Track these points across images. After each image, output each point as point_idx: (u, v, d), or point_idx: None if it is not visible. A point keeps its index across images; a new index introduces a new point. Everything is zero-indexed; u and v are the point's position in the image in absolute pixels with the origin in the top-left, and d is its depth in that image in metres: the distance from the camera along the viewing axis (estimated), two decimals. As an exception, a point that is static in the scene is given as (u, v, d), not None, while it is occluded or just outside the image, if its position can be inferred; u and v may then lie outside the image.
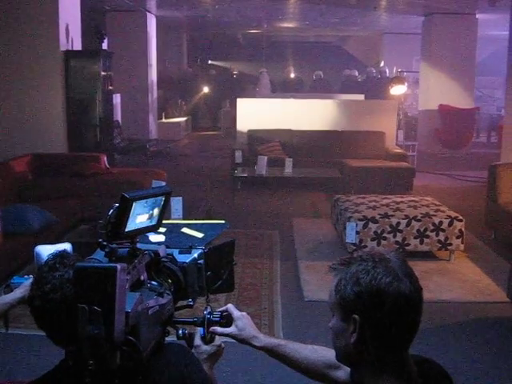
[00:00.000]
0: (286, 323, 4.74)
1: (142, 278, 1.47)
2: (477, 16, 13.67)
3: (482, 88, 17.82)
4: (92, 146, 8.84)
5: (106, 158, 8.24)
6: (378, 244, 6.09)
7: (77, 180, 7.53)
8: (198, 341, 1.74)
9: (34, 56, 8.53)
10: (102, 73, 9.07)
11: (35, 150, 8.09)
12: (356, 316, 1.42)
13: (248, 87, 18.74)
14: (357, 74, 16.74)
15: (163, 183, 5.65)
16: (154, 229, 1.53)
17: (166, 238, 1.65)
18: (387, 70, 15.96)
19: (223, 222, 1.94)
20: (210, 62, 22.47)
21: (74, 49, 9.06)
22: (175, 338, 1.65)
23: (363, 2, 13.00)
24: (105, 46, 9.94)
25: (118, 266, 1.28)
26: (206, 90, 18.54)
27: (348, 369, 1.64)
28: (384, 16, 15.33)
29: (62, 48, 8.67)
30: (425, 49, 14.32)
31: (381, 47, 19.42)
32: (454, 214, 6.26)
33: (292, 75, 18.54)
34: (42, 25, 8.48)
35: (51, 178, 7.54)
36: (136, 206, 1.41)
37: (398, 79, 12.16)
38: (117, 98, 12.14)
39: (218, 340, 1.77)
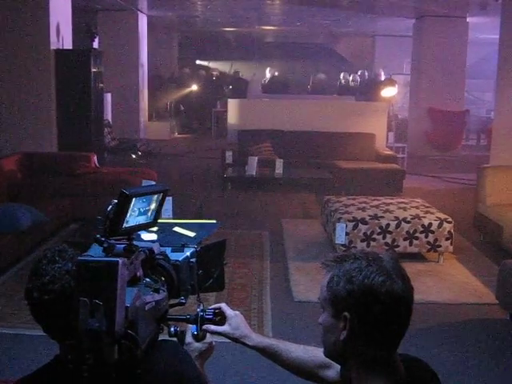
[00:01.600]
0: (276, 323, 4.74)
1: (138, 274, 1.49)
2: (467, 19, 13.73)
3: (472, 91, 17.90)
4: (82, 145, 8.81)
5: (96, 158, 8.22)
6: (368, 245, 6.10)
7: (67, 179, 7.50)
8: (189, 338, 1.75)
9: (24, 54, 8.50)
10: (93, 72, 9.04)
11: (25, 149, 8.06)
12: (346, 313, 1.44)
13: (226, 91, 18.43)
14: (358, 78, 16.27)
15: (153, 183, 5.65)
16: (150, 226, 1.54)
17: (158, 237, 1.66)
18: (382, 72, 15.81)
19: (215, 221, 1.95)
20: (198, 62, 22.30)
21: (65, 48, 9.04)
22: (167, 336, 1.66)
23: (355, 4, 13.03)
24: (96, 45, 9.92)
25: (120, 260, 1.30)
26: (195, 90, 18.44)
27: (338, 368, 1.65)
28: (375, 18, 15.38)
29: (53, 47, 8.65)
30: (415, 51, 14.37)
31: (372, 49, 19.49)
32: (443, 216, 6.29)
33: (276, 74, 18.46)
34: (33, 23, 8.46)
35: (41, 177, 7.51)
36: (135, 203, 1.42)
37: (389, 81, 12.20)
38: (107, 98, 12.11)
39: (208, 338, 1.78)
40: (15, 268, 5.78)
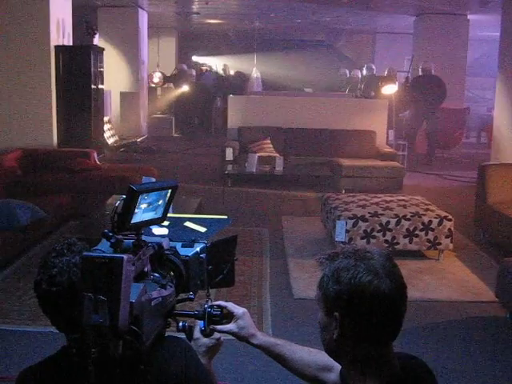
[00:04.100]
0: (275, 321, 4.74)
1: (146, 269, 1.50)
2: (468, 17, 13.72)
3: (473, 88, 17.89)
4: (82, 141, 8.81)
5: (96, 154, 8.22)
6: (368, 243, 6.09)
7: (67, 176, 7.50)
8: (197, 334, 1.75)
9: (24, 50, 8.49)
10: (93, 68, 9.03)
11: (25, 146, 8.05)
12: (336, 313, 1.45)
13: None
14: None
15: (153, 179, 5.64)
16: (159, 221, 1.55)
17: (169, 232, 1.67)
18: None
19: (226, 217, 1.95)
20: (195, 58, 22.08)
21: (65, 44, 9.03)
22: (175, 331, 1.66)
23: (355, 1, 13.01)
24: (96, 41, 9.91)
25: (125, 256, 1.31)
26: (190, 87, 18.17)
27: (339, 371, 1.66)
28: (376, 16, 15.35)
29: (53, 43, 8.64)
30: (416, 49, 14.34)
31: (373, 47, 19.48)
32: (443, 214, 6.28)
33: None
34: (33, 19, 8.45)
35: (41, 174, 7.51)
36: (143, 198, 1.43)
37: (389, 78, 12.19)
38: (107, 94, 12.10)
39: (217, 333, 1.78)
40: (15, 264, 5.78)
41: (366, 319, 1.43)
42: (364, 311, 1.42)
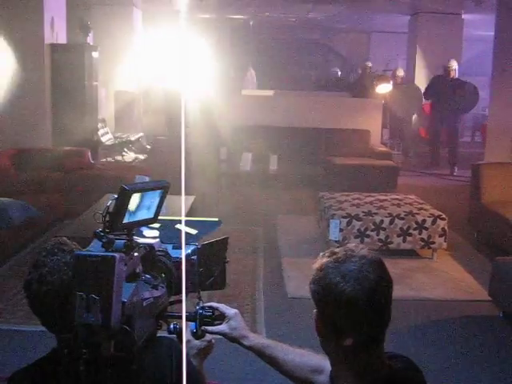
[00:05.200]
0: (269, 320, 4.74)
1: (138, 270, 1.49)
2: (462, 16, 13.75)
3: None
4: (76, 140, 8.78)
5: (90, 153, 8.20)
6: (362, 242, 6.09)
7: (61, 175, 7.48)
8: (189, 336, 1.74)
9: (18, 49, 8.46)
10: (87, 67, 9.01)
11: (19, 145, 8.02)
12: (314, 311, 1.49)
13: None
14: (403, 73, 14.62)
15: (147, 178, 5.63)
16: (151, 222, 1.54)
17: (160, 234, 1.66)
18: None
19: (217, 219, 1.95)
20: None
21: (59, 42, 9.00)
22: (166, 332, 1.65)
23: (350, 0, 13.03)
24: (90, 39, 9.89)
25: (117, 255, 1.30)
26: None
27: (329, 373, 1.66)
28: (371, 15, 15.37)
29: (47, 41, 8.61)
30: (410, 48, 14.36)
31: (368, 46, 19.50)
32: (437, 213, 6.29)
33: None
34: (27, 18, 8.42)
35: (35, 173, 7.48)
36: (135, 198, 1.42)
37: (383, 78, 12.20)
38: (102, 93, 12.07)
39: (208, 335, 1.77)
40: (8, 264, 5.76)
41: (334, 320, 1.45)
42: (331, 312, 1.44)
